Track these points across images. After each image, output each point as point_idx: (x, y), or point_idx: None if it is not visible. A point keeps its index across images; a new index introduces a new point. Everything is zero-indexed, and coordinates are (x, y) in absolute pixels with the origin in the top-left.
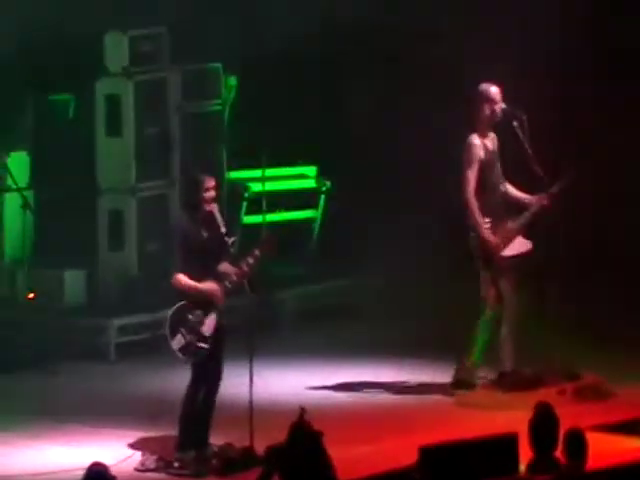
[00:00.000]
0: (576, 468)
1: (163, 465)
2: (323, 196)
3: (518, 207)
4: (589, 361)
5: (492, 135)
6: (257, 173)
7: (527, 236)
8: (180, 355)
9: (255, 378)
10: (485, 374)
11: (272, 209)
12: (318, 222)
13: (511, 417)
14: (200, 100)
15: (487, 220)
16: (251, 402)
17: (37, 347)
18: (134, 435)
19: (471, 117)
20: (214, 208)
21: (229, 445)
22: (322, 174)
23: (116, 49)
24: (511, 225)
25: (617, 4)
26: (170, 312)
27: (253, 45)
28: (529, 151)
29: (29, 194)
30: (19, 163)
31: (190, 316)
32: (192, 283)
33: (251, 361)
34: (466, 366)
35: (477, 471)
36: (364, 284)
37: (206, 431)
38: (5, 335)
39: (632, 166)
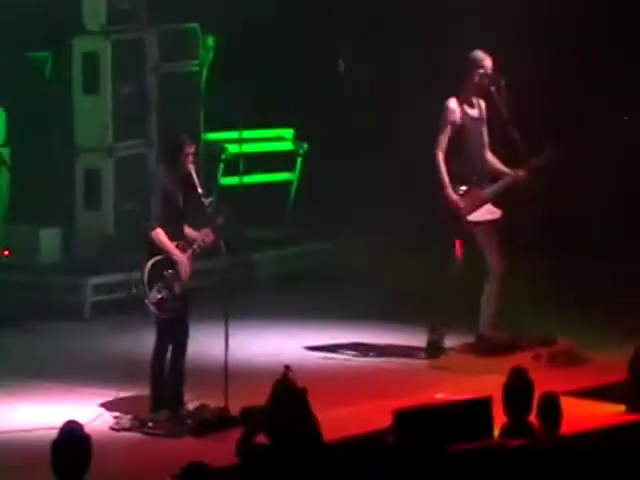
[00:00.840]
0: (550, 432)
1: (138, 424)
2: (300, 159)
3: (496, 177)
4: (564, 327)
5: (478, 102)
6: (234, 135)
7: (498, 205)
8: (153, 309)
9: (230, 340)
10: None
11: (249, 171)
12: (295, 185)
13: (486, 381)
14: (177, 61)
15: (462, 187)
16: (226, 363)
17: (12, 305)
18: (109, 394)
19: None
20: (192, 170)
21: (204, 406)
22: (299, 136)
23: (94, 7)
24: (482, 192)
25: None
26: (149, 265)
27: (232, 5)
28: (506, 117)
29: (5, 151)
30: None
31: (165, 273)
32: (167, 241)
33: (226, 322)
34: (438, 330)
35: (451, 435)
36: (340, 247)
37: (180, 391)
38: None
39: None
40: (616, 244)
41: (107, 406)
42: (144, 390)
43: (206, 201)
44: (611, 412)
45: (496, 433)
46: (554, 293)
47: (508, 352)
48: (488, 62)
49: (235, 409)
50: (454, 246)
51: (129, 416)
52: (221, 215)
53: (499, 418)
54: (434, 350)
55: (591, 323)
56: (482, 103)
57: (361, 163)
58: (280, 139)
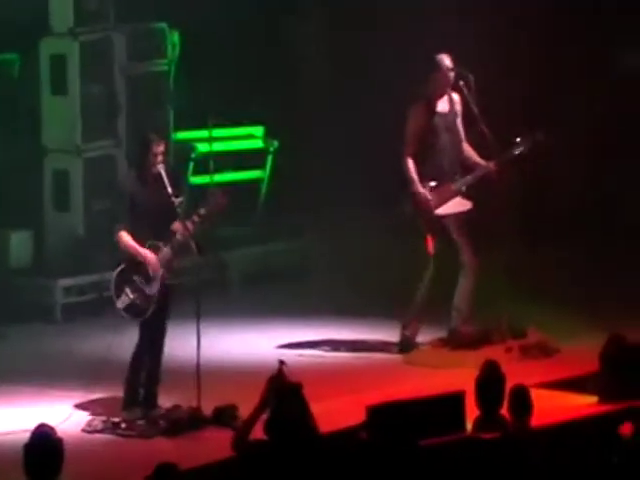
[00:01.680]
0: (521, 425)
1: (110, 426)
2: (270, 156)
3: (470, 170)
4: (535, 319)
5: (449, 97)
6: (204, 133)
7: (468, 197)
8: (124, 314)
9: (202, 339)
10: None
11: (219, 169)
12: (265, 182)
13: (458, 375)
14: (146, 60)
15: (432, 182)
16: (198, 363)
17: None
18: (80, 396)
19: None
20: (161, 169)
21: (176, 406)
22: (269, 134)
23: (61, 8)
24: (451, 186)
25: None
26: (115, 272)
27: (198, 2)
28: (475, 111)
29: None
30: None
31: (135, 276)
32: (131, 243)
33: (198, 322)
34: (410, 325)
35: (424, 429)
36: (311, 245)
37: (154, 392)
38: None
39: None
40: (587, 233)
41: (79, 408)
42: (116, 391)
43: (176, 201)
44: (583, 403)
45: (469, 427)
46: (526, 284)
47: (480, 345)
48: (449, 65)
49: (208, 409)
50: (426, 242)
51: (101, 418)
52: (208, 205)
53: (472, 411)
54: (406, 346)
55: (561, 313)
56: (455, 97)
57: (333, 160)
58: (250, 137)
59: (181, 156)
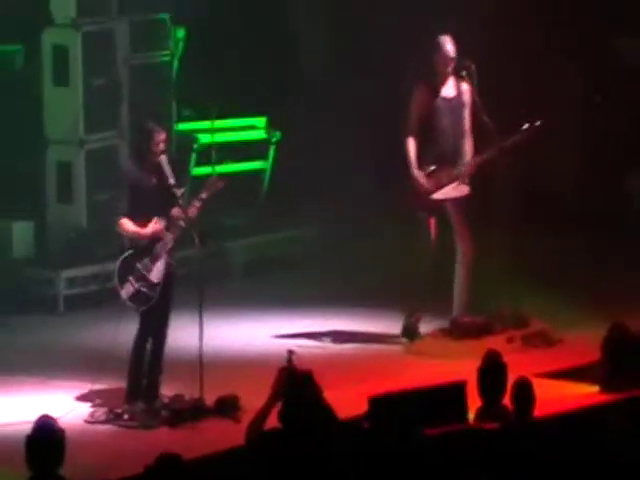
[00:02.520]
0: (523, 417)
1: (113, 417)
2: (273, 147)
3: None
4: (537, 308)
5: (458, 83)
6: (206, 124)
7: (466, 183)
8: (130, 304)
9: (204, 329)
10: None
11: (221, 160)
12: (268, 173)
13: (460, 365)
14: (148, 51)
15: (432, 167)
16: (201, 353)
17: None
18: (83, 387)
19: (427, 65)
20: (163, 160)
21: (179, 396)
22: (272, 125)
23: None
24: (449, 171)
25: None
26: (118, 262)
27: None
28: (478, 101)
29: None
30: None
31: (138, 264)
32: (135, 228)
33: (200, 312)
34: (414, 314)
35: (426, 419)
36: (314, 235)
37: (156, 382)
38: None
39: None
40: (586, 222)
41: (81, 399)
42: (118, 383)
43: (178, 191)
44: (585, 393)
45: (471, 417)
46: (526, 272)
47: (482, 335)
48: (449, 45)
49: (210, 399)
50: (428, 225)
51: (104, 409)
52: (205, 190)
53: (474, 401)
54: (409, 334)
55: (563, 302)
56: (464, 85)
57: (334, 148)
58: (252, 128)
59: (183, 147)
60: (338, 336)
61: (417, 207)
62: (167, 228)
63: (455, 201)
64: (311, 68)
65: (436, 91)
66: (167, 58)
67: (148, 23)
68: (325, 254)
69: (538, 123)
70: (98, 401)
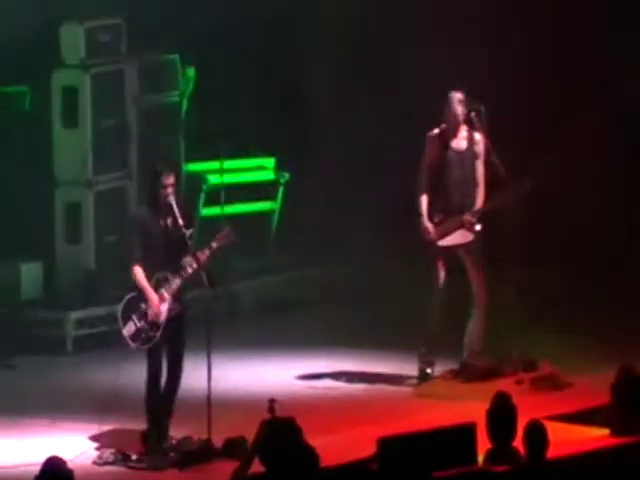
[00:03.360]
0: (536, 460)
1: (121, 458)
2: (281, 188)
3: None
4: (545, 352)
5: (471, 134)
6: (215, 165)
7: (472, 230)
8: (130, 342)
9: (213, 370)
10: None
11: (230, 201)
12: (277, 214)
13: (469, 407)
14: (157, 92)
15: (439, 216)
16: (209, 395)
17: None
18: (91, 429)
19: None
20: (172, 200)
21: (187, 438)
22: (280, 166)
23: (72, 40)
24: (455, 219)
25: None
26: (123, 301)
27: (211, 36)
28: (487, 143)
29: None
30: None
31: (142, 304)
32: (143, 283)
33: (209, 353)
34: (426, 357)
35: (435, 462)
36: (323, 276)
37: (165, 424)
38: None
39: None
40: (596, 264)
41: (90, 440)
42: (126, 424)
43: (187, 232)
44: (595, 436)
45: (480, 459)
46: (535, 314)
47: (491, 378)
48: (459, 100)
49: (218, 441)
50: (437, 269)
51: (112, 450)
52: (218, 241)
53: (483, 444)
54: (423, 377)
55: (571, 345)
56: (477, 135)
57: (345, 190)
58: (261, 169)
59: (192, 188)
60: (347, 377)
61: (431, 253)
62: (175, 271)
63: (463, 246)
64: (321, 109)
65: (446, 143)
66: (176, 99)
67: (157, 64)
68: (334, 296)
69: (525, 185)
70: (106, 442)
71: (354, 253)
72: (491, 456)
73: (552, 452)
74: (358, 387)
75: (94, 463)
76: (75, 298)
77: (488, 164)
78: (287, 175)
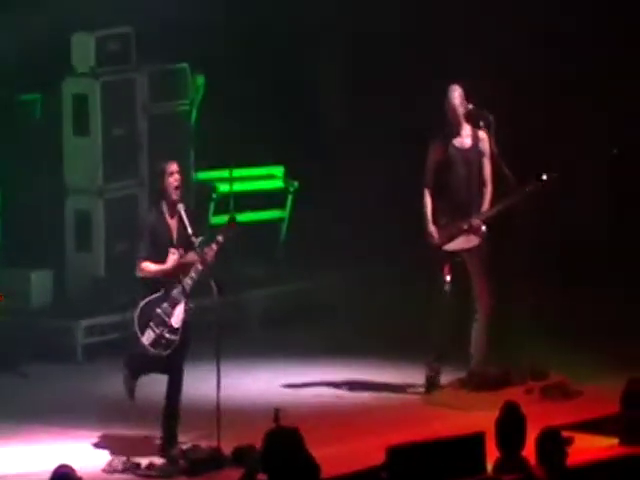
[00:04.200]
0: (555, 468)
1: (130, 466)
2: (291, 196)
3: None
4: (555, 360)
5: (475, 133)
6: (225, 173)
7: (479, 234)
8: (152, 350)
9: (222, 378)
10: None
11: (240, 209)
12: (286, 222)
13: (478, 416)
14: (167, 101)
15: (444, 218)
16: (218, 403)
17: (3, 348)
18: (101, 437)
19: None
20: (181, 207)
21: (196, 446)
22: (290, 174)
23: (83, 49)
24: (460, 223)
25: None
26: (137, 309)
27: (220, 43)
28: (496, 151)
29: None
30: None
31: (158, 310)
32: (158, 267)
33: (218, 362)
34: (433, 366)
35: (444, 471)
36: (332, 285)
37: (174, 431)
38: None
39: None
40: (605, 273)
41: (99, 448)
42: (136, 432)
43: (196, 240)
44: (605, 445)
45: (489, 468)
46: (544, 324)
47: (500, 387)
48: (458, 94)
49: (227, 449)
50: (443, 274)
51: (122, 458)
52: (222, 233)
53: (492, 453)
54: (431, 385)
55: (582, 354)
56: (481, 133)
57: (352, 198)
58: (271, 177)
59: (202, 196)
60: (356, 386)
61: (435, 259)
62: (185, 273)
63: (468, 251)
64: (330, 117)
65: (448, 142)
66: (186, 107)
67: (167, 72)
68: (343, 304)
69: (555, 175)
70: (116, 450)
71: (362, 261)
72: (500, 465)
73: None
74: (366, 396)
75: (103, 471)
76: (85, 306)
77: (497, 173)
78: (296, 184)
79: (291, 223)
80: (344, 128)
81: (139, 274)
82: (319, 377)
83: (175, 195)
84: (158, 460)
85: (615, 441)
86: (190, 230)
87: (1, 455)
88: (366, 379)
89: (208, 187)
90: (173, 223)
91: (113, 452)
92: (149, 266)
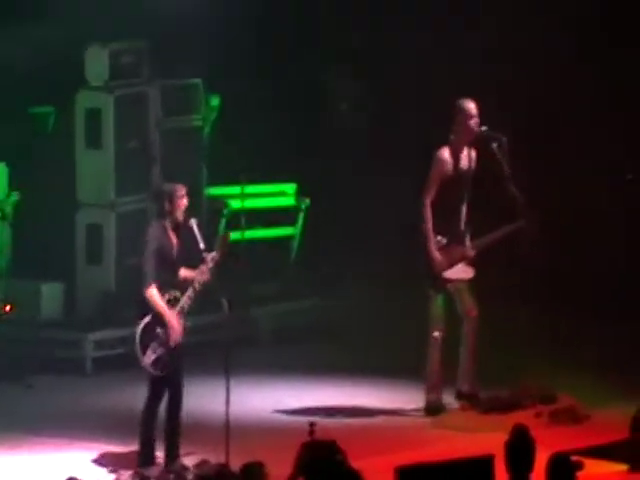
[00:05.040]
0: None
1: (138, 479)
2: (302, 214)
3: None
4: (564, 384)
5: (469, 152)
6: (236, 190)
7: (473, 264)
8: (152, 370)
9: (231, 395)
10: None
11: (251, 226)
12: (297, 240)
13: (487, 439)
14: (180, 115)
15: (442, 238)
16: (227, 419)
17: (13, 360)
18: (109, 449)
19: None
20: (193, 223)
21: (204, 461)
22: (301, 192)
23: (97, 63)
24: (461, 249)
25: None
26: (138, 330)
27: (235, 61)
28: (507, 174)
29: (7, 205)
30: None
31: (159, 329)
32: (161, 304)
33: (227, 379)
34: (433, 389)
35: None
36: (342, 303)
37: (175, 444)
38: None
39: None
40: (614, 300)
41: (107, 461)
42: None
43: (208, 256)
44: (614, 471)
45: None
46: (553, 348)
47: (509, 410)
48: (472, 108)
49: (236, 465)
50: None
51: (129, 471)
52: (218, 247)
53: (501, 476)
54: (432, 410)
55: (592, 379)
56: (473, 154)
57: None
58: (282, 194)
59: (214, 212)
60: (363, 406)
61: (426, 280)
62: (183, 290)
63: (463, 282)
64: (343, 135)
65: (456, 158)
66: (199, 123)
67: (180, 87)
68: (353, 322)
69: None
70: (124, 463)
71: (373, 279)
72: None
73: None
74: (375, 415)
75: None
76: (95, 319)
77: (507, 195)
78: (308, 201)
79: (302, 240)
80: (357, 146)
81: (146, 296)
82: (327, 396)
83: (182, 217)
84: (164, 474)
85: (624, 467)
86: (202, 245)
87: (8, 466)
88: (375, 399)
89: (220, 203)
90: (175, 241)
91: (120, 465)
92: (155, 298)
